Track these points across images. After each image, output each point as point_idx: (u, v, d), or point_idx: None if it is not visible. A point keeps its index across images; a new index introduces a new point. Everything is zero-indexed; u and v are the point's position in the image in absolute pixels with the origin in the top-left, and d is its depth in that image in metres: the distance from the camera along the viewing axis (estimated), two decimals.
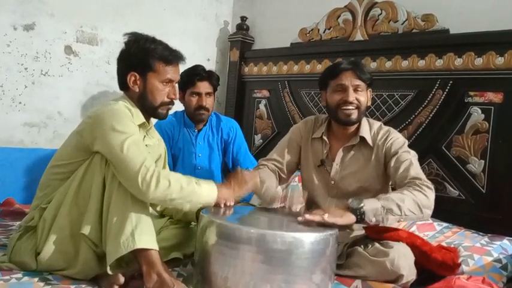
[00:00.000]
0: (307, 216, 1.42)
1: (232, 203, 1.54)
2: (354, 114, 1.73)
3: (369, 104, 1.84)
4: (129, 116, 1.49)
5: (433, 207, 1.59)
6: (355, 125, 1.80)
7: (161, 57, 1.55)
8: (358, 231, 1.71)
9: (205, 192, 1.45)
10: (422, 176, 1.65)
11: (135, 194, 1.39)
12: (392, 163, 1.70)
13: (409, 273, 1.49)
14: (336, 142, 1.83)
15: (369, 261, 1.52)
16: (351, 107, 1.72)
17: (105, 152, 1.42)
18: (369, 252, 1.55)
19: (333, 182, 1.81)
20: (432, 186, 1.62)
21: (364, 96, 1.75)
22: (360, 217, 1.50)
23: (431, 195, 1.59)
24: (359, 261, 1.55)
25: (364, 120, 1.82)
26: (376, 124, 1.83)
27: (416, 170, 1.66)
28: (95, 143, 1.43)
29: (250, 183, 1.59)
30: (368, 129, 1.80)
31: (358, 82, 1.73)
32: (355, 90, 1.73)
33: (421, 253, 1.54)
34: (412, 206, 1.53)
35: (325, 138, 1.83)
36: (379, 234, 1.60)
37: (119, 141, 1.39)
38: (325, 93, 1.82)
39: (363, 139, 1.78)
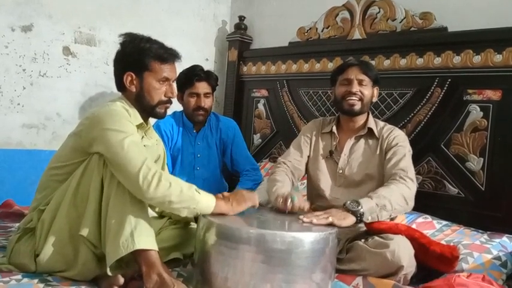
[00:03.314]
0: (315, 221, 1.48)
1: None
2: (357, 105, 1.85)
3: (375, 100, 1.96)
4: (126, 116, 1.49)
5: (414, 198, 1.71)
6: (363, 119, 1.92)
7: (156, 55, 1.55)
8: (359, 227, 1.74)
9: (204, 201, 1.44)
10: (410, 169, 1.76)
11: (134, 193, 1.39)
12: (388, 154, 1.82)
13: (409, 264, 1.50)
14: (344, 135, 1.95)
15: (369, 253, 1.54)
16: (354, 98, 1.85)
17: (104, 152, 1.41)
18: (369, 244, 1.58)
19: (340, 171, 1.89)
20: (415, 180, 1.75)
21: (368, 90, 1.87)
22: (360, 218, 1.58)
23: (414, 187, 1.71)
24: (360, 253, 1.58)
25: (371, 116, 1.95)
26: (382, 122, 1.96)
27: (405, 163, 1.77)
28: (94, 143, 1.43)
29: (249, 202, 1.56)
30: (374, 123, 1.93)
31: (363, 77, 1.86)
32: (360, 83, 1.86)
33: (419, 245, 1.56)
34: (399, 200, 1.65)
35: (334, 131, 1.94)
36: (379, 228, 1.63)
37: (118, 140, 1.39)
38: (334, 88, 1.95)
39: (370, 130, 1.90)
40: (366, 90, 1.86)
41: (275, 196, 1.70)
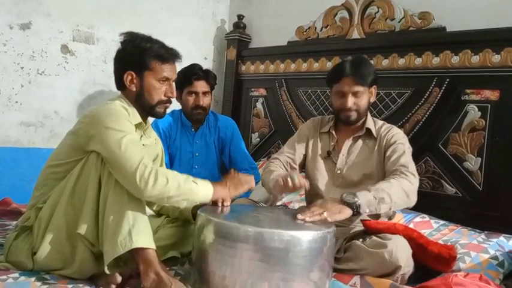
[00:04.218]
0: (308, 219, 1.46)
1: (228, 203, 1.56)
2: (353, 116, 1.84)
3: (373, 99, 1.91)
4: (125, 115, 1.49)
5: (416, 193, 1.68)
6: (360, 121, 1.89)
7: (157, 55, 1.55)
8: (357, 226, 1.76)
9: (202, 190, 1.46)
10: (410, 165, 1.74)
11: (132, 192, 1.39)
12: (388, 152, 1.80)
13: (407, 264, 1.50)
14: (342, 136, 1.93)
15: (367, 253, 1.54)
16: (349, 112, 1.83)
17: (102, 151, 1.41)
18: (367, 244, 1.58)
19: (339, 172, 1.88)
20: (417, 174, 1.72)
21: (364, 100, 1.84)
22: (356, 210, 1.55)
23: (416, 182, 1.69)
24: (357, 253, 1.58)
25: (369, 116, 1.92)
26: (380, 121, 1.94)
27: (406, 159, 1.75)
28: (91, 142, 1.43)
29: (245, 186, 1.59)
30: (373, 123, 1.91)
31: (358, 88, 1.81)
32: (354, 95, 1.82)
33: (417, 245, 1.56)
34: (399, 193, 1.62)
35: (332, 132, 1.93)
36: (377, 227, 1.63)
37: (116, 139, 1.39)
38: (331, 90, 1.92)
39: (368, 131, 1.88)
40: (361, 100, 1.82)
41: (274, 181, 1.68)
